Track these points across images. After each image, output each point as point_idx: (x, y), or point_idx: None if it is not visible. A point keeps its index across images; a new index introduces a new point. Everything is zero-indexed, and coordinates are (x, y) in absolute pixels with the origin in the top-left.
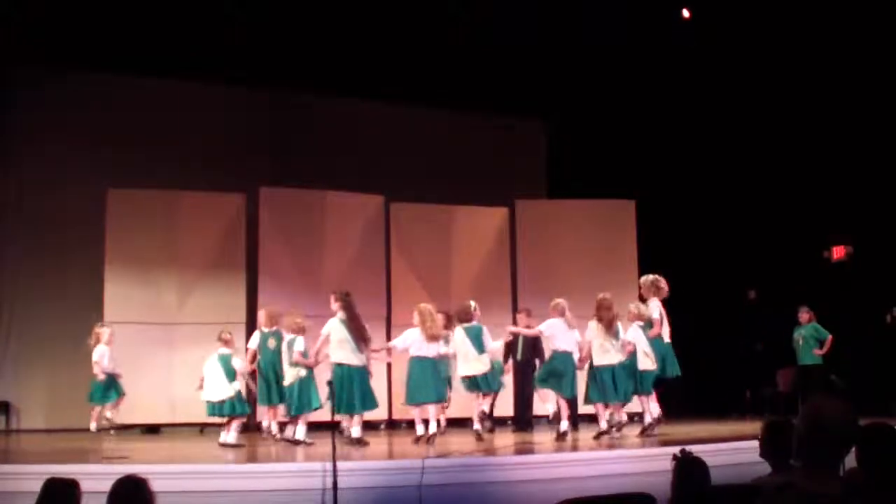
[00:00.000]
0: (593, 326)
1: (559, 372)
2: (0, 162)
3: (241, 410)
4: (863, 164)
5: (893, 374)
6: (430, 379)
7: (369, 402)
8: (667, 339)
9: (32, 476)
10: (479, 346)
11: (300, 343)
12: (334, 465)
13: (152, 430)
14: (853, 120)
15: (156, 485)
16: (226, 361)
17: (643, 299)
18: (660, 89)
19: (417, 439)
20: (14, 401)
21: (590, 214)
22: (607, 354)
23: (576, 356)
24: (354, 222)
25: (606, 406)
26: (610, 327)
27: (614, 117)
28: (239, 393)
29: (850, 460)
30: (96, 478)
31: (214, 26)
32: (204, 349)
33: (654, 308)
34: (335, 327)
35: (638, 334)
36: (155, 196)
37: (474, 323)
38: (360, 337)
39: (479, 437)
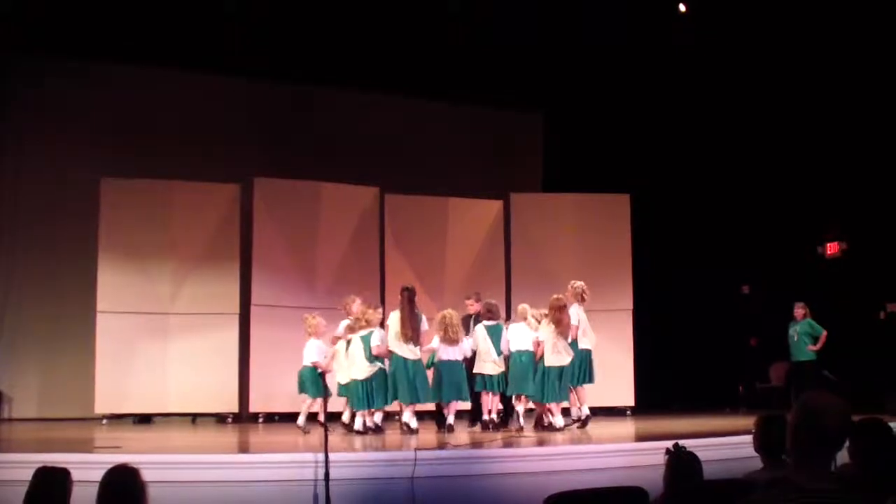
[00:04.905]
0: (545, 327)
1: (518, 374)
2: None
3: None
4: (857, 159)
5: (886, 370)
6: (443, 379)
7: (411, 395)
8: (589, 345)
9: (24, 465)
10: (499, 347)
11: (376, 337)
12: (326, 457)
13: (145, 419)
14: (847, 115)
15: (147, 474)
16: (367, 342)
17: (562, 305)
18: (655, 84)
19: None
20: (6, 390)
21: (584, 208)
22: (558, 356)
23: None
24: (349, 214)
25: (557, 405)
26: (562, 328)
27: (610, 111)
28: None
29: (843, 455)
30: (88, 467)
31: (212, 16)
32: (197, 339)
33: (574, 314)
34: (393, 320)
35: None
36: (149, 186)
37: (496, 322)
38: (405, 332)
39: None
